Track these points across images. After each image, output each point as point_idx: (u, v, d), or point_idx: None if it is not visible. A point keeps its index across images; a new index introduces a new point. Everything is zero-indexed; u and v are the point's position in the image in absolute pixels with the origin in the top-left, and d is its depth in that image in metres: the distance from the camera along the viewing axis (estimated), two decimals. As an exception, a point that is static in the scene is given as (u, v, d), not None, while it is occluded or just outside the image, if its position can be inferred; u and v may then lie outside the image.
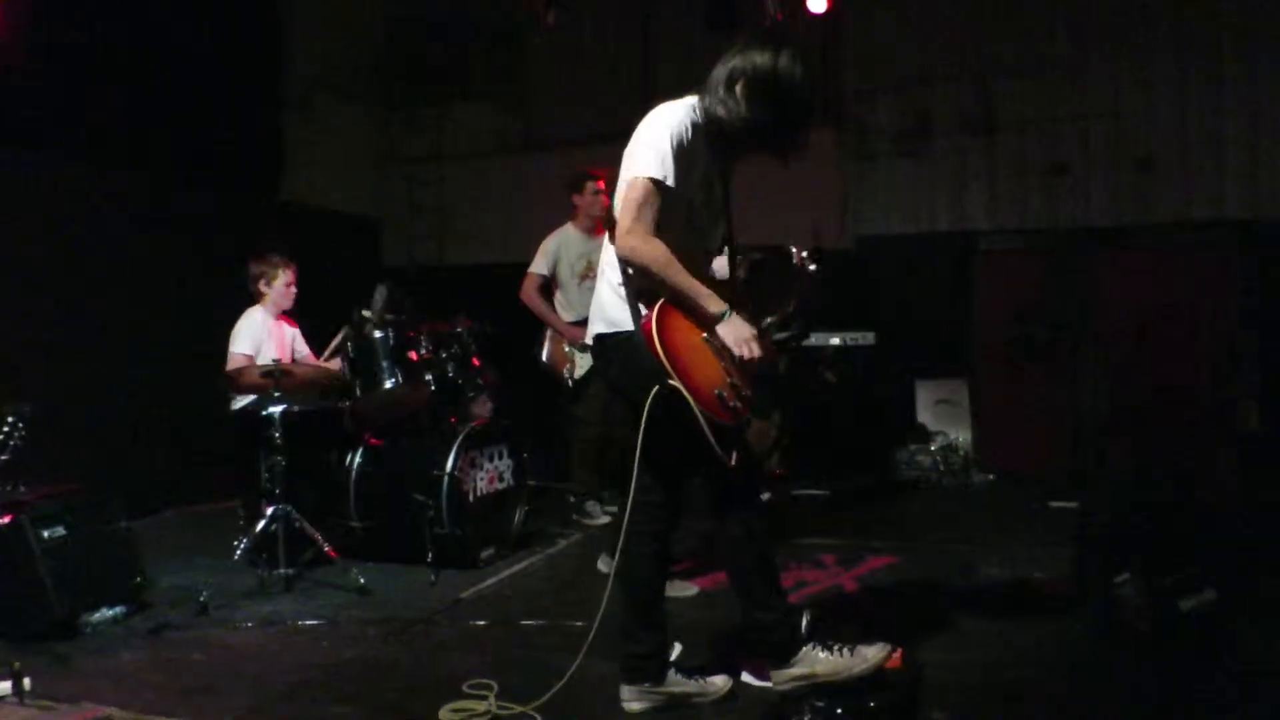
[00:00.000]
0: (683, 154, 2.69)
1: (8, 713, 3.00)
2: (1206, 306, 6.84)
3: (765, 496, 5.79)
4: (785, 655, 2.87)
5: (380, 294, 4.74)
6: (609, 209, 2.95)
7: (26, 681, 3.08)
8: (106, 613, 3.83)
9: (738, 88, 2.71)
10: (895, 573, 4.46)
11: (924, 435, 7.18)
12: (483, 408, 6.12)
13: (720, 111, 2.73)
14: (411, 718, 2.93)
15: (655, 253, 2.65)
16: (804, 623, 2.97)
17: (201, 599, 3.97)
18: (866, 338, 6.53)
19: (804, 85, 2.70)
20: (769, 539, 2.95)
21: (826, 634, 2.93)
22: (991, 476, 6.93)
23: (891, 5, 7.45)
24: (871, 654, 2.85)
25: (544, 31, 7.06)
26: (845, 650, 2.87)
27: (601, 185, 5.35)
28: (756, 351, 2.74)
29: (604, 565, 4.29)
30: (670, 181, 2.66)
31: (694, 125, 2.74)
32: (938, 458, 6.91)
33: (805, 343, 6.43)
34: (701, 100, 2.78)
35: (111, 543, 4.00)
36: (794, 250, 3.07)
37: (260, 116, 7.29)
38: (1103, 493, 4.04)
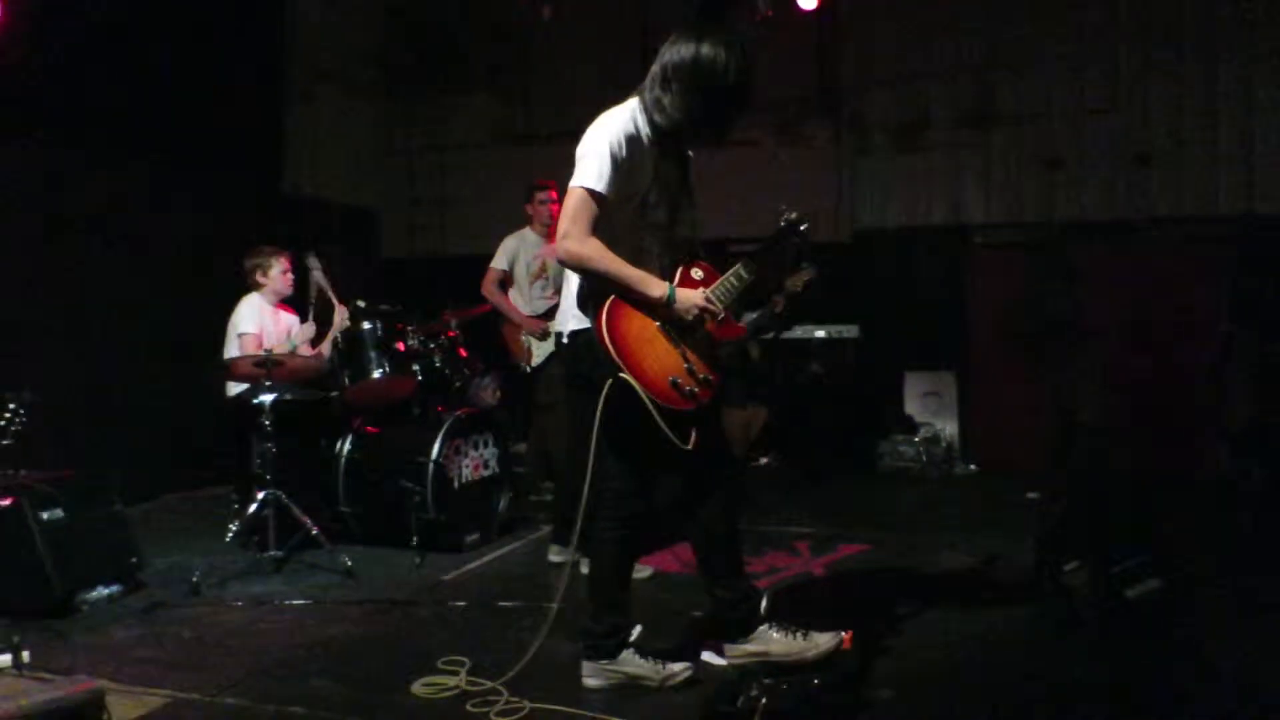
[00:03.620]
0: (622, 161, 2.81)
1: (7, 684, 3.12)
2: (1199, 302, 6.88)
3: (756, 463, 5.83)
4: (742, 632, 3.05)
5: (315, 268, 4.93)
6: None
7: (25, 655, 3.20)
8: (102, 591, 3.99)
9: (671, 84, 2.83)
10: (865, 561, 4.59)
11: (910, 427, 7.28)
12: (489, 394, 6.27)
13: (656, 110, 2.85)
14: (386, 691, 3.07)
15: (587, 251, 2.79)
16: (764, 604, 3.11)
17: (194, 579, 4.13)
18: (851, 331, 6.60)
19: (729, 69, 2.78)
20: (733, 523, 3.09)
21: (785, 617, 3.08)
22: (974, 468, 7.04)
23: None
24: (823, 641, 3.04)
25: (541, 23, 7.17)
26: (800, 634, 3.06)
27: (553, 194, 5.63)
28: (714, 308, 2.86)
29: (555, 555, 4.46)
30: (605, 190, 2.78)
31: (635, 129, 2.86)
32: (920, 449, 7.01)
33: (792, 335, 6.52)
34: (640, 100, 2.91)
35: (108, 525, 4.15)
36: (783, 210, 3.06)
37: (262, 107, 7.34)
38: (1062, 482, 4.13)
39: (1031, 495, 5.82)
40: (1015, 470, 6.81)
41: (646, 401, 2.75)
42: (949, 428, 7.27)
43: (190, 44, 6.46)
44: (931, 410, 7.33)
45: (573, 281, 3.02)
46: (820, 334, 6.56)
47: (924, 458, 6.99)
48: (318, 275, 4.96)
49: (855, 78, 7.79)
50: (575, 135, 2.92)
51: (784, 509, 5.70)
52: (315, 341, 5.26)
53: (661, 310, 2.86)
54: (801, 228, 3.06)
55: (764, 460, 6.21)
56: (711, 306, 2.89)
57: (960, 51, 7.48)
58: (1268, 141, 6.79)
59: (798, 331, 6.54)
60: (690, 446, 2.84)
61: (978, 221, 7.56)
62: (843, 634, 3.05)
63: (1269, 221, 6.74)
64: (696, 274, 2.99)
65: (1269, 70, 6.76)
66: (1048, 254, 7.29)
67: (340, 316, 5.03)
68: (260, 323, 5.00)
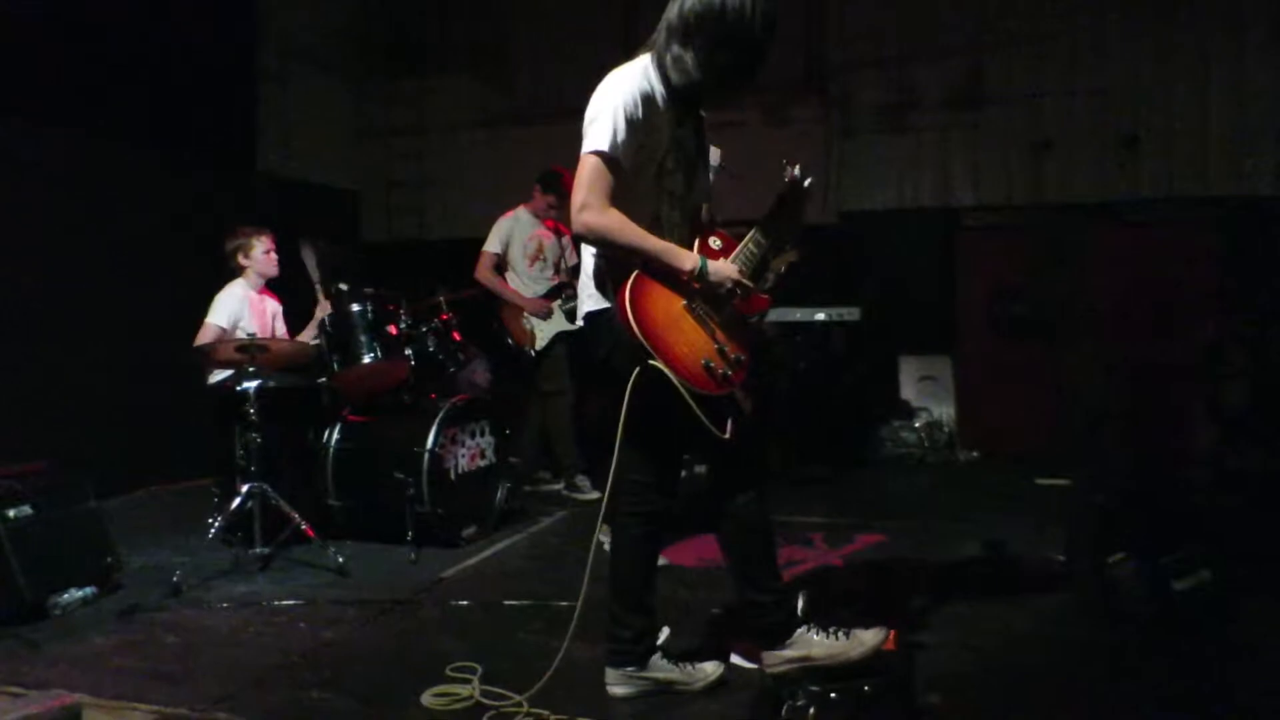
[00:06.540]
0: (638, 124, 2.56)
1: (-27, 700, 2.90)
2: (1192, 283, 6.81)
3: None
4: (779, 637, 2.83)
5: (309, 256, 4.70)
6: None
7: (-8, 667, 2.99)
8: (76, 594, 3.71)
9: (692, 38, 2.56)
10: (884, 551, 4.41)
11: (907, 412, 7.14)
12: (481, 377, 6.07)
13: (675, 68, 2.59)
14: (393, 703, 2.84)
15: (608, 222, 2.54)
16: (800, 605, 2.90)
17: (175, 579, 3.87)
18: (852, 313, 6.45)
19: (755, 17, 2.52)
20: (768, 518, 2.87)
21: (823, 616, 2.87)
22: (976, 454, 6.92)
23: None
24: (868, 638, 2.81)
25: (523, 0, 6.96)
26: (841, 634, 2.83)
27: None
28: (747, 281, 2.68)
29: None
30: (619, 154, 2.54)
31: (649, 88, 2.61)
32: (922, 435, 6.88)
33: (790, 318, 6.35)
34: (653, 59, 2.66)
35: (81, 522, 3.88)
36: (786, 166, 2.83)
37: (236, 87, 7.09)
38: (1094, 471, 3.98)
39: (1041, 481, 5.70)
40: (1012, 455, 6.72)
41: (682, 390, 2.53)
42: (945, 412, 7.15)
43: (161, 21, 6.18)
44: (928, 395, 7.20)
45: (588, 255, 2.77)
46: (820, 316, 6.39)
47: (926, 443, 6.84)
48: (311, 268, 4.75)
49: (842, 58, 7.64)
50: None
51: (790, 497, 5.49)
52: (295, 331, 5.03)
53: (690, 285, 2.63)
54: (806, 183, 2.84)
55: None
56: (744, 279, 2.69)
57: (948, 31, 7.35)
58: (1258, 122, 6.69)
59: (797, 314, 6.36)
60: (728, 435, 2.63)
61: (967, 204, 7.45)
62: (885, 630, 2.85)
63: (1260, 202, 6.66)
64: (715, 243, 2.76)
65: (1258, 48, 6.66)
66: (1038, 237, 7.19)
67: (322, 311, 4.80)
68: (234, 315, 4.73)
